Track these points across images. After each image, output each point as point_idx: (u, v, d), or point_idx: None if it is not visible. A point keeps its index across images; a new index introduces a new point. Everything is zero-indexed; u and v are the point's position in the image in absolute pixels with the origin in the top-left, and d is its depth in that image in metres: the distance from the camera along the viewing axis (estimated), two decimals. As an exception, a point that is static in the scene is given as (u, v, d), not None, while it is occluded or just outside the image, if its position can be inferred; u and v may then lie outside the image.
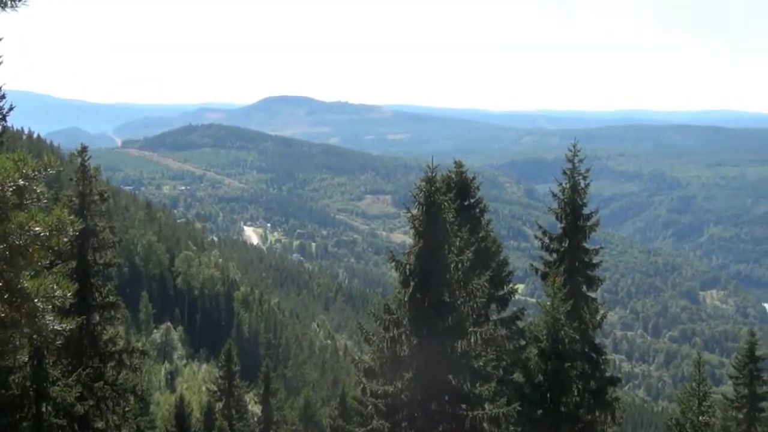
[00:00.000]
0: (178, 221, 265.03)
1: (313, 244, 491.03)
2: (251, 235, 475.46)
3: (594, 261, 46.11)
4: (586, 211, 45.63)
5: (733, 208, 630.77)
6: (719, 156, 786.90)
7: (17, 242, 14.12)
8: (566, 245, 45.44)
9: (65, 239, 14.77)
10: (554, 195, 46.14)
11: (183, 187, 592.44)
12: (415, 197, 32.61)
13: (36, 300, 14.19)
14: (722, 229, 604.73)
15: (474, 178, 43.76)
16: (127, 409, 39.05)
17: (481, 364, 34.30)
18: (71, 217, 14.58)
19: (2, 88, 25.18)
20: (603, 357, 45.82)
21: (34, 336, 15.14)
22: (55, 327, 14.67)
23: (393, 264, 33.16)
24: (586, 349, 43.88)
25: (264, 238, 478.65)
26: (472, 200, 43.04)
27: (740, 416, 53.54)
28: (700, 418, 47.34)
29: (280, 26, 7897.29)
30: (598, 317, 45.36)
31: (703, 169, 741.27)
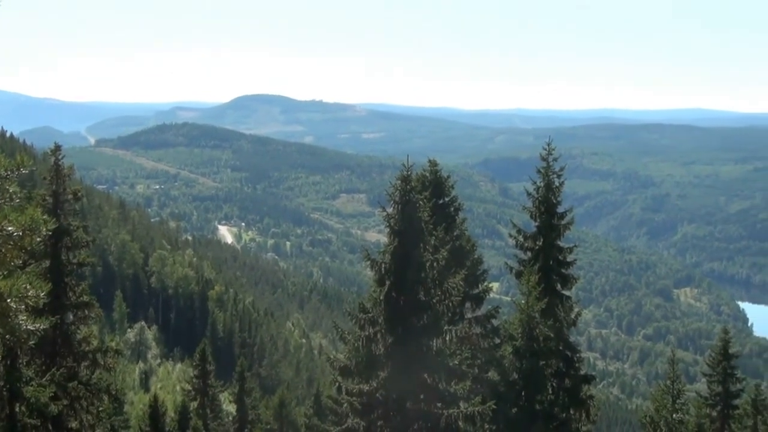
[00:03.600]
0: (152, 220, 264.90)
1: (288, 243, 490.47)
2: (226, 234, 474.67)
3: (568, 259, 46.16)
4: (560, 209, 45.68)
5: (706, 206, 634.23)
6: (693, 155, 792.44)
7: (-10, 242, 14.03)
8: (540, 244, 45.48)
9: (38, 239, 14.67)
10: (528, 193, 46.17)
11: (157, 186, 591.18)
12: (390, 196, 32.63)
13: (9, 300, 14.08)
14: (696, 228, 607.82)
15: (449, 177, 43.81)
16: (101, 408, 38.87)
17: (456, 362, 34.36)
18: (44, 217, 14.48)
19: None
20: (577, 355, 45.87)
21: (7, 336, 15.01)
22: (29, 327, 14.56)
23: (368, 263, 33.17)
24: (561, 347, 43.92)
25: (238, 237, 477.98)
26: (446, 199, 43.09)
27: (714, 413, 53.77)
28: (674, 415, 47.42)
29: (254, 25, 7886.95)
30: (573, 315, 45.43)
31: (677, 168, 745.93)
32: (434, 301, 32.77)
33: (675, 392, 48.13)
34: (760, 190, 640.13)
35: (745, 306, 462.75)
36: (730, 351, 53.83)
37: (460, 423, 32.84)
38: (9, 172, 13.90)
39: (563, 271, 45.89)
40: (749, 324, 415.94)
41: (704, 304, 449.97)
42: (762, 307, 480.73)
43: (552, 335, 40.81)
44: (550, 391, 42.35)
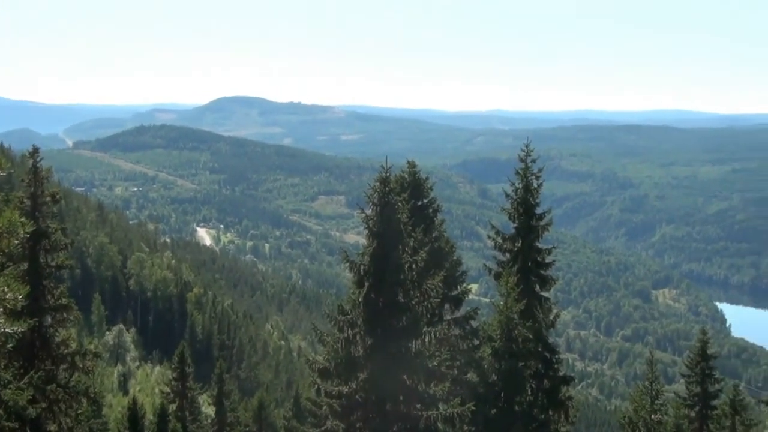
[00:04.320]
0: (131, 223, 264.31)
1: (267, 245, 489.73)
2: (204, 236, 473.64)
3: (547, 261, 46.26)
4: (538, 210, 45.79)
5: (685, 207, 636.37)
6: (671, 156, 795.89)
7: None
8: (519, 245, 45.56)
9: (16, 241, 14.66)
10: (507, 195, 46.24)
11: (135, 189, 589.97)
12: (368, 198, 32.70)
13: (-13, 302, 14.07)
14: (674, 229, 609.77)
15: (427, 179, 43.82)
16: (79, 411, 38.78)
17: (435, 364, 34.42)
18: (22, 219, 14.48)
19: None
20: (556, 356, 45.98)
21: (-15, 339, 15.00)
22: (7, 329, 14.55)
23: (347, 264, 33.22)
24: (540, 349, 44.04)
25: (217, 240, 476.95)
26: (425, 200, 43.12)
27: (692, 414, 53.97)
28: (653, 416, 47.54)
29: (233, 27, 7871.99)
30: (552, 317, 45.54)
31: (656, 169, 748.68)
32: (413, 302, 32.83)
33: (653, 393, 48.25)
34: (739, 191, 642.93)
35: (723, 307, 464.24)
36: (709, 352, 54.02)
37: (440, 424, 32.95)
38: (-13, 175, 13.88)
39: (542, 272, 45.99)
40: (727, 325, 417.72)
41: (682, 305, 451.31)
42: (740, 307, 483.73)
43: (531, 337, 40.90)
44: (529, 393, 42.45)
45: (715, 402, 53.95)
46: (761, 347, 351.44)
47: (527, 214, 45.40)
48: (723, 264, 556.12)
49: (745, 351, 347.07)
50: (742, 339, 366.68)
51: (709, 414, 53.56)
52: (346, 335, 33.16)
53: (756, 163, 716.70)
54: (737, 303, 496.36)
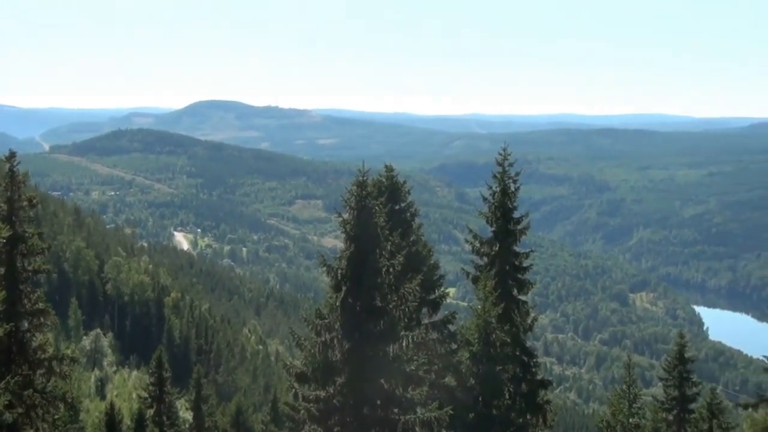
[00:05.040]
0: (108, 227, 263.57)
1: (244, 249, 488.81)
2: (181, 240, 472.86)
3: (524, 264, 46.41)
4: (516, 214, 45.96)
5: (661, 210, 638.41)
6: (648, 159, 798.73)
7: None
8: (497, 249, 45.69)
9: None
10: (485, 199, 46.38)
11: (112, 193, 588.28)
12: (346, 202, 32.69)
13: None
14: (651, 232, 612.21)
15: (405, 182, 43.85)
16: (56, 416, 38.59)
17: (413, 368, 34.39)
18: (-1, 224, 14.48)
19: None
20: (534, 360, 46.12)
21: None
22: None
23: (324, 268, 33.21)
24: (518, 353, 44.15)
25: (194, 244, 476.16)
26: (402, 204, 43.12)
27: (670, 418, 54.10)
28: (631, 420, 47.80)
29: (210, 30, 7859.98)
30: (529, 320, 45.70)
31: (633, 173, 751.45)
32: (391, 306, 32.82)
33: (631, 396, 48.53)
34: (715, 195, 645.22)
35: (701, 310, 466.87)
36: (686, 355, 54.13)
37: (417, 429, 32.88)
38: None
39: (519, 276, 46.15)
40: (705, 328, 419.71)
41: (660, 308, 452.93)
42: (717, 311, 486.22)
43: (508, 340, 41.03)
44: (507, 396, 42.59)
45: (693, 405, 54.04)
46: (738, 351, 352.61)
47: (505, 217, 45.54)
48: (700, 267, 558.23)
49: (723, 354, 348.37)
50: (720, 342, 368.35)
51: (686, 417, 53.68)
52: (323, 339, 33.14)
53: (732, 166, 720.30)
54: (714, 306, 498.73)
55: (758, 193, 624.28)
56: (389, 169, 43.55)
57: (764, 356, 47.49)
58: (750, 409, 46.80)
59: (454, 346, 42.57)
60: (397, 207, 42.74)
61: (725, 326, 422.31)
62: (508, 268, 45.59)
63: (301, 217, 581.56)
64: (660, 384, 58.04)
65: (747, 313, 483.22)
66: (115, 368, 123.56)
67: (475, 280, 45.17)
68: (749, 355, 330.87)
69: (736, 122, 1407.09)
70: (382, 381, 33.02)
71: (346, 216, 32.70)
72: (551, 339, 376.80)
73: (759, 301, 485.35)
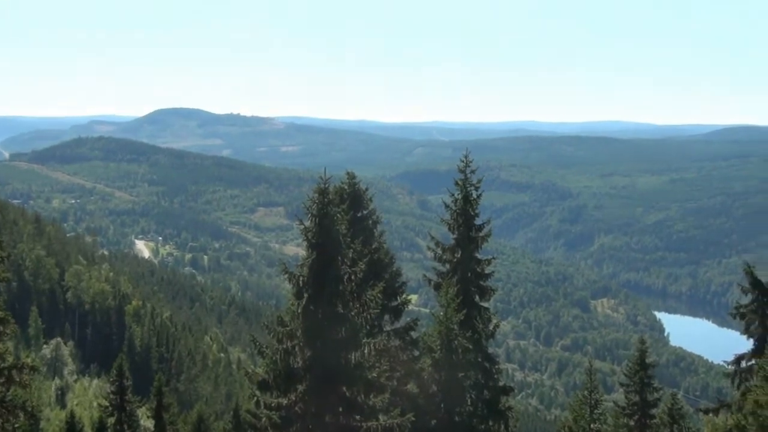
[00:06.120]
0: (68, 235, 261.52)
1: (206, 257, 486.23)
2: (143, 248, 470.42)
3: (486, 271, 46.51)
4: (478, 221, 46.06)
5: (623, 217, 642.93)
6: (610, 166, 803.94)
7: None
8: (459, 256, 45.75)
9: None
10: (447, 206, 46.45)
11: (73, 201, 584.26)
12: (307, 209, 32.61)
13: None
14: (613, 239, 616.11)
15: (367, 190, 43.85)
16: (16, 425, 38.30)
17: (374, 375, 34.31)
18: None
19: None
20: (496, 366, 46.23)
21: None
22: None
23: (286, 276, 33.11)
24: (480, 359, 44.22)
25: (156, 252, 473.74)
26: (364, 212, 43.12)
27: (631, 423, 54.20)
28: (592, 425, 47.90)
29: (171, 38, 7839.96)
30: (491, 327, 45.80)
31: (594, 179, 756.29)
32: (352, 313, 32.78)
33: (593, 402, 48.63)
34: (676, 202, 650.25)
35: (662, 316, 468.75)
36: (647, 361, 54.25)
37: (380, 436, 32.85)
38: None
39: (481, 282, 46.24)
40: (665, 334, 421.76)
41: (621, 314, 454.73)
42: (678, 316, 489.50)
43: (470, 347, 41.04)
44: (469, 403, 42.63)
45: (654, 411, 54.14)
46: (699, 356, 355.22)
47: (467, 224, 45.62)
48: (661, 274, 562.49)
49: (684, 360, 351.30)
50: (681, 348, 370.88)
51: (647, 423, 53.80)
52: (285, 347, 33.06)
53: (693, 173, 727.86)
54: (675, 312, 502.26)
55: (719, 200, 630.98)
56: (351, 176, 43.53)
57: (725, 361, 47.87)
58: (710, 414, 47.12)
59: (416, 353, 42.59)
60: (359, 214, 42.73)
61: (686, 332, 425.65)
62: (470, 274, 45.65)
63: (263, 225, 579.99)
64: (621, 390, 58.11)
65: (707, 318, 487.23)
66: (75, 377, 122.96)
67: (437, 287, 45.24)
68: (710, 360, 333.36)
69: (697, 129, 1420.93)
70: (344, 388, 32.98)
71: (307, 223, 32.64)
72: (513, 345, 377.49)
73: (719, 306, 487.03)
